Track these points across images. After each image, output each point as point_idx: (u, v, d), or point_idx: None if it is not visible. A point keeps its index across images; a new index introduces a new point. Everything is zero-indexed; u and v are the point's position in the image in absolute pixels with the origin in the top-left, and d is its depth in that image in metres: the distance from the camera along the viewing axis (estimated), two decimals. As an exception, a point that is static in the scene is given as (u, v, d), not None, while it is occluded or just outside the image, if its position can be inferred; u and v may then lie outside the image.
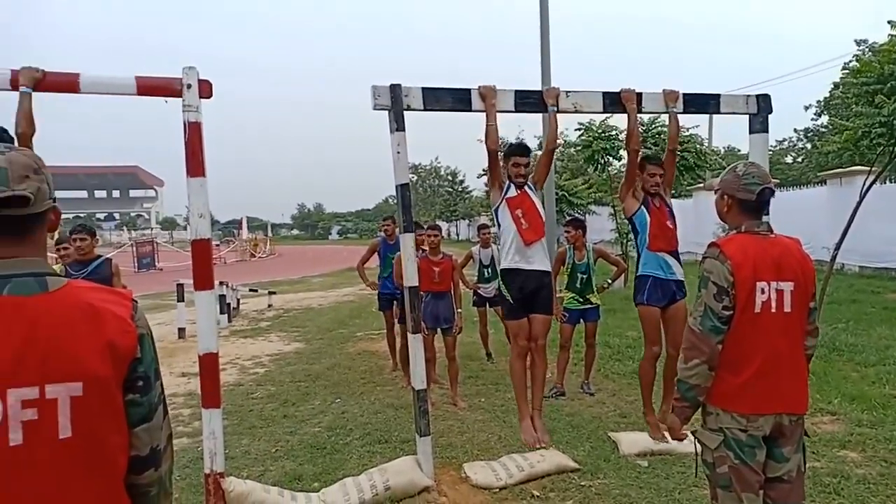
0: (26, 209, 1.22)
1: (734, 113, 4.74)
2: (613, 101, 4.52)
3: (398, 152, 4.10)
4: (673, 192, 4.94)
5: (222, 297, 11.32)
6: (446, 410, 5.74)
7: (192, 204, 3.72)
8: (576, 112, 4.54)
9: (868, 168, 9.40)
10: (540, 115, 8.65)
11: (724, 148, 36.53)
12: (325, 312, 13.19)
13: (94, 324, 1.23)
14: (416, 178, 58.86)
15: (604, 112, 4.84)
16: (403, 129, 4.09)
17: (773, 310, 2.33)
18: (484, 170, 25.71)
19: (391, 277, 6.60)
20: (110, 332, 1.24)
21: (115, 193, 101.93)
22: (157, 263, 29.64)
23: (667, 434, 4.59)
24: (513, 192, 4.53)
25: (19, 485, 1.15)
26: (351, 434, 5.15)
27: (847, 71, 10.70)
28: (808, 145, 33.85)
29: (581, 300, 6.25)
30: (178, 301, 10.71)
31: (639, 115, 4.66)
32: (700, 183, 19.77)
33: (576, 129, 14.64)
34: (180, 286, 10.64)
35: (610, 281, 6.61)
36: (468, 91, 4.24)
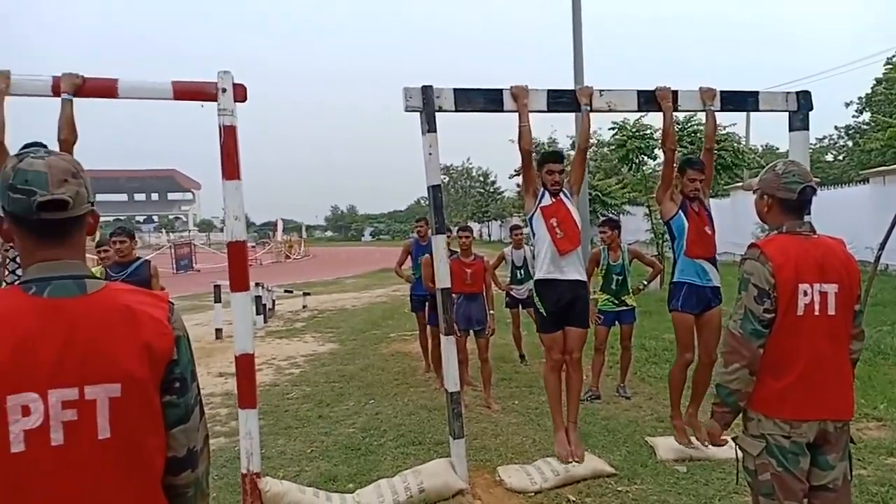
0: (65, 213, 1.24)
1: (773, 110, 4.62)
2: (648, 100, 4.44)
3: (430, 154, 4.10)
4: (710, 191, 4.82)
5: (258, 298, 11.49)
6: (479, 413, 5.72)
7: (227, 206, 3.77)
8: (609, 111, 4.47)
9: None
10: (572, 114, 8.59)
11: (761, 146, 35.80)
12: (359, 313, 13.28)
13: (131, 326, 1.25)
14: (447, 179, 58.93)
15: (638, 111, 4.78)
16: (435, 131, 4.09)
17: (817, 312, 2.26)
18: (516, 170, 25.61)
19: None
20: (147, 334, 1.26)
21: (154, 196, 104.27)
22: (194, 265, 30.22)
23: (693, 439, 4.54)
24: (547, 200, 4.38)
25: (61, 485, 1.17)
26: (385, 435, 5.16)
27: (890, 66, 10.39)
28: (850, 143, 32.92)
29: (616, 302, 6.17)
30: (216, 302, 10.89)
31: (674, 114, 4.57)
32: (738, 182, 19.39)
33: (609, 129, 14.52)
34: (217, 287, 10.81)
35: (646, 282, 6.51)
36: (500, 91, 4.22)
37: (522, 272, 7.52)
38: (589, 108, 4.32)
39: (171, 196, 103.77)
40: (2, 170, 1.26)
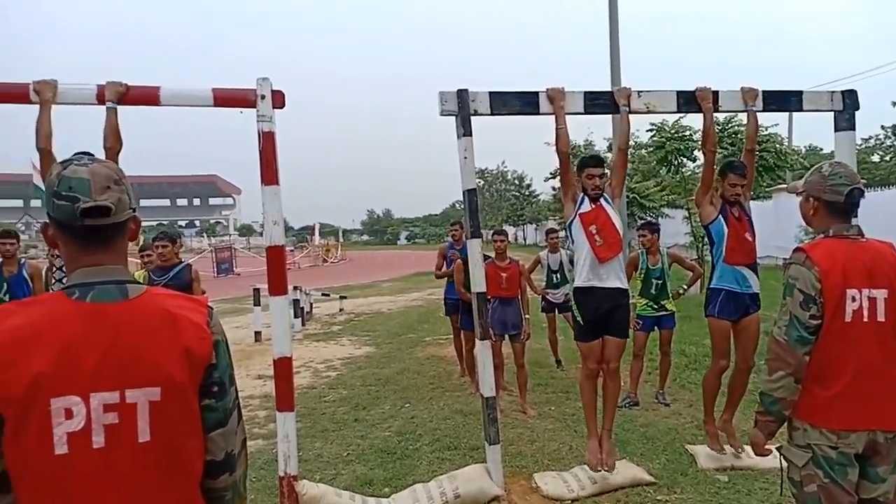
0: (108, 219, 1.26)
1: (818, 110, 4.51)
2: (688, 101, 4.36)
3: (465, 157, 4.10)
4: (751, 193, 4.69)
5: (296, 302, 11.65)
6: (515, 418, 5.68)
7: (266, 211, 3.82)
8: (648, 112, 4.40)
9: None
10: (609, 116, 8.50)
11: (805, 147, 34.80)
12: (395, 317, 13.35)
13: (171, 330, 1.27)
14: (482, 182, 58.89)
15: (678, 112, 4.68)
16: (470, 134, 4.09)
17: (865, 319, 2.18)
18: (552, 173, 25.46)
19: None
20: (187, 338, 1.28)
21: (196, 201, 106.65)
22: (234, 268, 30.77)
23: (727, 447, 4.44)
24: (586, 206, 4.23)
25: (101, 487, 1.20)
26: (420, 440, 5.17)
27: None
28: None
29: (655, 307, 6.07)
30: (255, 305, 11.07)
31: (715, 115, 4.48)
32: (780, 184, 18.90)
33: (647, 130, 14.30)
34: (256, 291, 10.99)
35: (685, 287, 6.39)
36: (536, 94, 4.19)
37: (558, 276, 7.46)
38: (627, 109, 4.26)
39: (212, 201, 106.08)
40: (48, 177, 1.29)
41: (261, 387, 7.26)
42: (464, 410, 5.91)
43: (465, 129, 4.07)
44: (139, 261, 5.94)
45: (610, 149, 22.44)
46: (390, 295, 18.58)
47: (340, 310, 14.61)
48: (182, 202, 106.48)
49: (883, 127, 34.13)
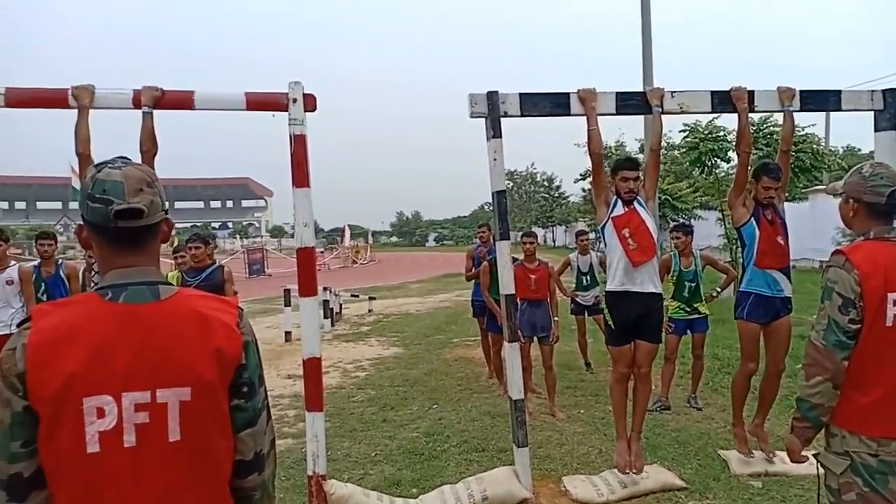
0: (141, 221, 1.28)
1: (857, 110, 4.40)
2: (723, 101, 4.29)
3: (495, 159, 4.09)
4: (787, 195, 4.58)
5: (326, 303, 11.75)
6: (544, 421, 5.64)
7: (297, 213, 3.86)
8: (682, 113, 4.35)
9: None
10: (641, 117, 8.40)
11: (842, 147, 33.98)
12: (423, 318, 13.38)
13: (202, 331, 1.28)
14: (511, 184, 58.73)
15: (712, 112, 4.60)
16: (500, 136, 4.08)
17: None
18: (582, 174, 25.24)
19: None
20: (217, 339, 1.29)
21: (229, 203, 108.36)
22: (266, 269, 31.17)
23: (756, 452, 4.37)
24: (619, 209, 4.17)
25: (132, 485, 1.21)
26: (448, 441, 5.16)
27: None
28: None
29: (688, 309, 5.98)
30: (285, 306, 11.19)
31: (749, 115, 4.39)
32: (817, 185, 18.46)
33: (680, 131, 14.08)
34: (287, 291, 11.10)
35: (719, 289, 6.27)
36: (567, 95, 4.16)
37: (588, 278, 7.40)
38: (660, 110, 4.21)
39: (244, 203, 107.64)
40: (83, 180, 1.32)
41: (290, 386, 7.33)
42: (492, 412, 5.89)
43: (494, 131, 4.06)
44: (172, 262, 6.05)
45: (641, 150, 22.21)
46: (418, 296, 18.62)
47: (369, 311, 14.69)
48: (215, 204, 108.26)
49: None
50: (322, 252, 40.16)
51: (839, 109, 4.44)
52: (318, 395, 3.80)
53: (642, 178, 4.26)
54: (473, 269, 7.14)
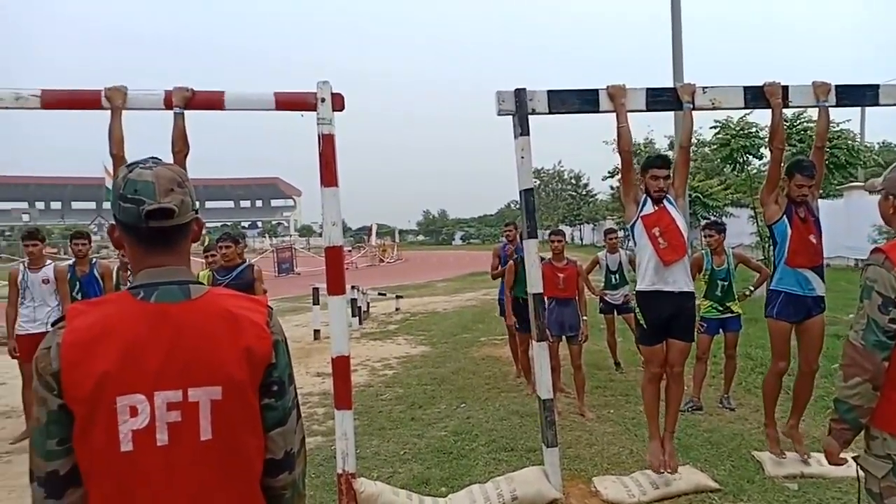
0: (171, 221, 1.29)
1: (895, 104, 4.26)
2: (756, 96, 4.20)
3: (522, 157, 4.06)
4: (821, 191, 4.48)
5: (353, 301, 11.82)
6: (573, 421, 5.60)
7: (325, 212, 3.88)
8: (713, 108, 4.27)
9: None
10: (670, 113, 8.28)
11: (878, 143, 33.07)
12: (450, 316, 13.38)
13: (232, 330, 1.29)
14: (538, 182, 58.40)
15: (745, 108, 4.51)
16: (528, 134, 4.04)
17: None
18: (610, 171, 24.99)
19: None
20: (248, 338, 1.29)
21: (258, 203, 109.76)
22: (295, 268, 31.46)
23: (788, 453, 4.30)
24: (649, 207, 4.10)
25: (164, 484, 1.22)
26: (476, 440, 5.15)
27: None
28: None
29: (721, 309, 5.88)
30: (314, 304, 11.30)
31: (783, 111, 4.30)
32: (852, 181, 18.02)
33: (711, 127, 13.86)
34: (316, 290, 11.21)
35: (752, 288, 6.16)
36: (595, 92, 4.11)
37: (617, 277, 7.32)
38: (691, 105, 4.14)
39: (273, 203, 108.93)
40: (114, 180, 1.33)
41: (319, 384, 7.38)
42: (520, 412, 5.86)
43: (522, 129, 4.03)
44: (203, 261, 6.14)
45: (671, 147, 21.88)
46: (445, 295, 18.64)
47: (396, 309, 14.75)
48: (245, 204, 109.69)
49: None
50: (350, 251, 40.44)
51: (876, 104, 4.31)
52: (346, 393, 3.81)
53: (672, 175, 4.19)
54: (500, 268, 7.12)
